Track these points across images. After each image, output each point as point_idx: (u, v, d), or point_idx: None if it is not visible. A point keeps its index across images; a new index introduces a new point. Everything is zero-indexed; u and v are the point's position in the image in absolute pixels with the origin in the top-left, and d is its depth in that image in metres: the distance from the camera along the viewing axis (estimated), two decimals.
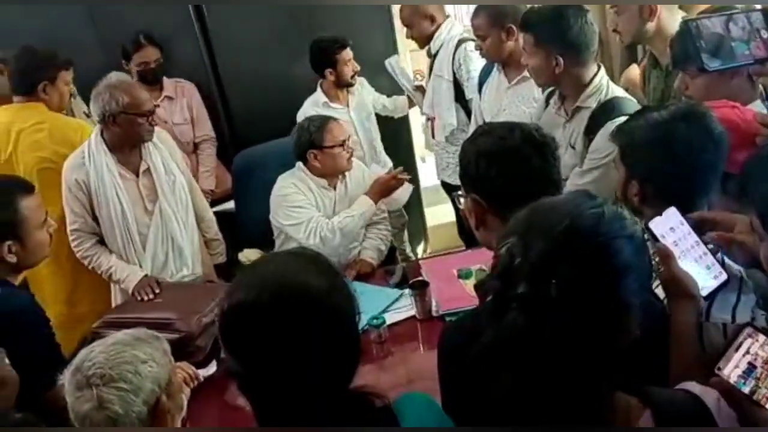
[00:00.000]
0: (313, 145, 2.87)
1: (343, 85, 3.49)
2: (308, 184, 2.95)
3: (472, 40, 3.08)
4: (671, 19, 2.28)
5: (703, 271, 1.33)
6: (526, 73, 2.74)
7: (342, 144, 2.89)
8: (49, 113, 2.98)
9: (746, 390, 0.98)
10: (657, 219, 1.36)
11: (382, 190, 2.98)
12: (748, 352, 1.01)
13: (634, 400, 0.97)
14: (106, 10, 3.53)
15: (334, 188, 2.99)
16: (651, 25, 2.33)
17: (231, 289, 1.07)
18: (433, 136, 3.58)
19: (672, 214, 1.37)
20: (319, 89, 3.51)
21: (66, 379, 1.47)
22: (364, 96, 3.66)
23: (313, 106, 3.47)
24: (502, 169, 1.42)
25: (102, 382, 1.42)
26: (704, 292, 1.32)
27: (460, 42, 3.30)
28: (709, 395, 1.01)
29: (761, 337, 1.01)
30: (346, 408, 1.05)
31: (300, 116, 3.40)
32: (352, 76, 3.46)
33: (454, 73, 3.32)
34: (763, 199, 1.20)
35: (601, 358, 0.94)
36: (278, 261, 1.10)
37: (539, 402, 0.92)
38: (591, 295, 0.91)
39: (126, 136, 2.64)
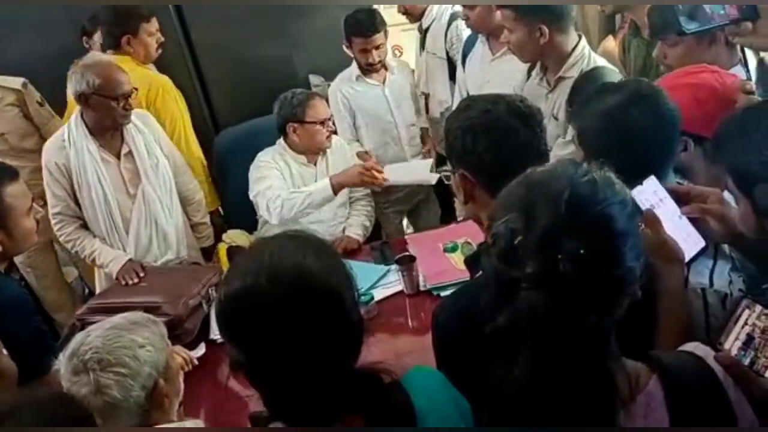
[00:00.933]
0: (294, 119, 2.85)
1: (360, 66, 3.26)
2: (286, 160, 2.93)
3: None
4: None
5: (682, 237, 1.35)
6: None
7: (323, 122, 2.85)
8: (129, 65, 2.99)
9: (746, 361, 0.99)
10: (638, 188, 1.36)
11: (348, 179, 2.83)
12: (746, 323, 1.01)
13: (639, 364, 0.97)
14: None
15: (315, 165, 2.97)
16: None
17: (227, 276, 1.04)
18: (427, 112, 3.56)
19: (651, 182, 1.38)
20: (354, 62, 3.29)
21: (62, 364, 1.46)
22: (402, 78, 3.40)
23: (345, 81, 3.32)
24: (489, 142, 1.39)
25: (99, 367, 1.41)
26: (685, 258, 1.34)
27: (452, 18, 3.25)
28: (712, 357, 1.02)
29: (758, 308, 1.01)
30: (355, 387, 1.05)
31: (330, 91, 3.36)
32: (368, 65, 3.20)
33: (447, 51, 3.28)
34: (736, 159, 1.21)
35: (612, 326, 0.94)
36: (274, 245, 1.07)
37: (559, 379, 0.90)
38: (599, 264, 0.90)
39: (100, 119, 2.60)
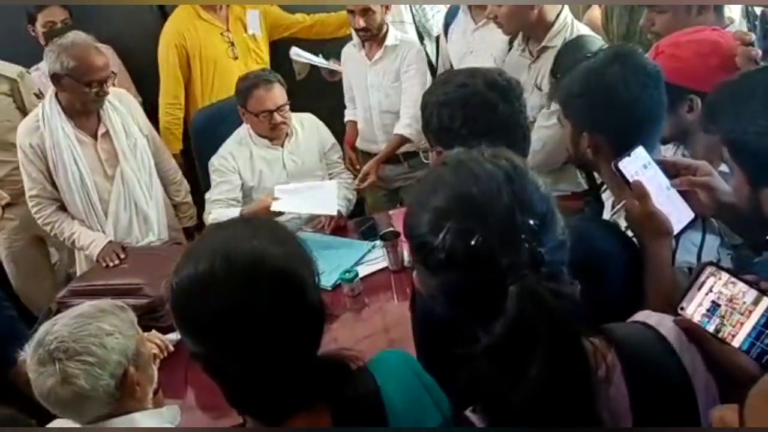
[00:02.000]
0: (240, 104, 2.78)
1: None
2: (250, 148, 2.85)
3: None
4: None
5: (672, 210, 1.33)
6: None
7: (258, 114, 2.74)
8: (188, 11, 3.30)
9: (711, 328, 0.98)
10: (626, 159, 1.33)
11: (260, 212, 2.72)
12: (711, 290, 1.00)
13: (596, 340, 0.94)
14: None
15: (282, 146, 2.88)
16: None
17: (179, 263, 0.98)
18: None
19: (639, 153, 1.35)
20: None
21: (28, 354, 1.42)
22: (399, 61, 3.07)
23: (349, 46, 3.24)
24: (467, 117, 1.36)
25: (66, 356, 1.37)
26: (674, 231, 1.32)
27: None
28: (665, 325, 1.00)
29: (724, 275, 1.00)
30: (319, 375, 1.01)
31: (342, 57, 3.29)
32: (355, 29, 3.02)
33: (413, 16, 3.21)
34: (731, 128, 1.18)
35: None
36: (227, 230, 1.02)
37: (566, 367, 0.86)
38: (548, 230, 0.89)
39: (72, 101, 2.55)
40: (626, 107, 1.37)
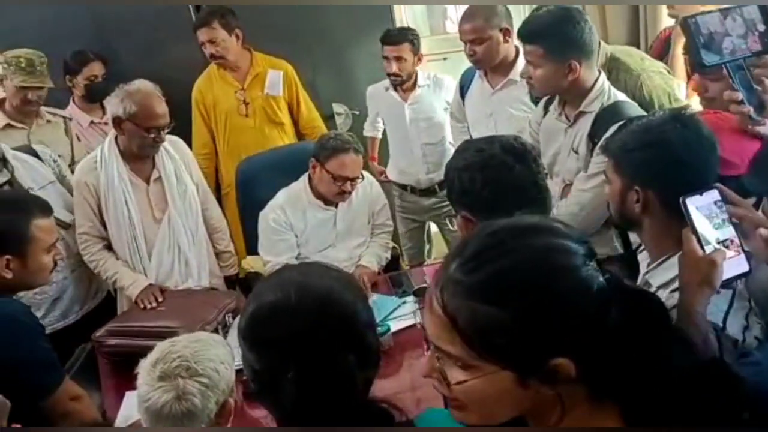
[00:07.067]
0: (319, 157, 2.74)
1: None
2: (303, 206, 2.84)
3: None
4: None
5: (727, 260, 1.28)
6: (511, 77, 2.79)
7: (336, 178, 2.70)
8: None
9: None
10: (695, 196, 1.30)
11: None
12: None
13: None
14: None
15: (336, 206, 2.88)
16: None
17: (257, 293, 1.13)
18: None
19: (712, 195, 1.31)
20: None
21: (142, 370, 1.50)
22: (432, 98, 3.41)
23: (380, 86, 3.49)
24: (486, 179, 1.45)
25: (188, 375, 1.45)
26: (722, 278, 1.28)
27: None
28: None
29: None
30: (365, 417, 1.06)
31: (367, 94, 3.56)
32: (388, 74, 3.32)
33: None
34: None
35: None
36: (302, 268, 1.22)
37: None
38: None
39: (129, 145, 2.65)
40: (684, 165, 1.40)
